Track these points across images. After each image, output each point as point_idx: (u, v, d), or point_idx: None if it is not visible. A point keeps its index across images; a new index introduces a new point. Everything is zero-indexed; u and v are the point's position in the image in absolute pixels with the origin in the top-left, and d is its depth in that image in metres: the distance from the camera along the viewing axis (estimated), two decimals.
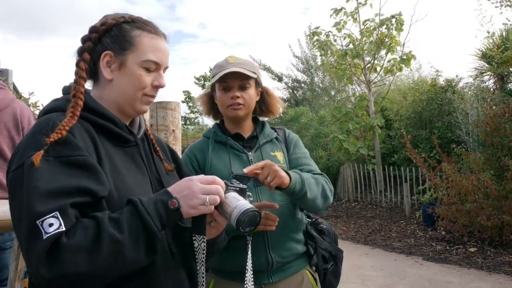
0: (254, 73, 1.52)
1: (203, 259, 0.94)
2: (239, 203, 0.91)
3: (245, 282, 1.02)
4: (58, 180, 0.78)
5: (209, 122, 17.52)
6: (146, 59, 0.96)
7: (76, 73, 0.95)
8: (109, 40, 0.96)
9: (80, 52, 0.97)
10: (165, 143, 1.22)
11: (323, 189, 1.49)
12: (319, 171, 1.60)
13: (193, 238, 0.95)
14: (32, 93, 7.25)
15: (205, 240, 0.93)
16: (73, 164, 0.81)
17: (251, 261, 1.04)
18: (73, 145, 0.83)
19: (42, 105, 6.26)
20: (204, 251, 0.93)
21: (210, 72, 18.42)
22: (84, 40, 0.98)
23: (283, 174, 1.30)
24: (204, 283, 0.96)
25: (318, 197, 1.46)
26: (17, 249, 2.16)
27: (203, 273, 0.95)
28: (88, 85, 1.00)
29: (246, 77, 1.50)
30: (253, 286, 1.02)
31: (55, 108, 0.94)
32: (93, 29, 0.98)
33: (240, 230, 0.90)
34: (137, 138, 1.02)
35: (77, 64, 0.96)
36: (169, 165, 1.12)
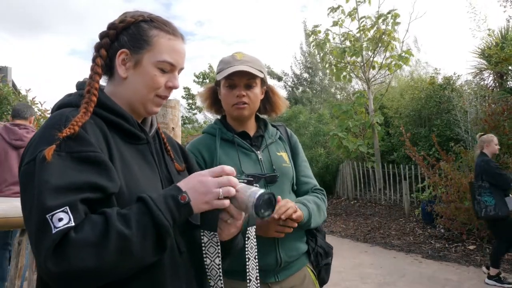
0: (261, 71, 1.50)
1: (218, 252, 0.93)
2: (251, 190, 0.88)
3: (247, 270, 0.98)
4: (69, 175, 0.78)
5: (208, 119, 17.46)
6: (162, 60, 0.96)
7: (92, 69, 0.95)
8: (126, 38, 0.96)
9: (98, 48, 0.97)
10: (177, 142, 1.21)
11: (323, 215, 1.60)
12: (317, 184, 1.68)
13: (202, 233, 0.93)
14: (29, 89, 7.53)
15: (216, 235, 0.92)
16: (85, 160, 0.81)
17: (256, 252, 1.00)
18: (85, 141, 0.83)
19: (40, 102, 6.31)
20: (218, 244, 0.92)
21: (209, 69, 18.36)
22: (102, 36, 0.98)
23: (300, 213, 1.42)
24: (221, 276, 0.95)
25: (318, 224, 1.59)
26: (17, 247, 2.16)
27: (218, 265, 0.94)
28: (102, 80, 1.00)
29: (253, 76, 1.47)
30: (257, 274, 0.98)
31: (68, 104, 0.94)
32: (111, 26, 0.97)
33: (259, 216, 0.88)
34: (148, 136, 1.02)
35: (94, 60, 0.96)
36: (179, 165, 1.11)
